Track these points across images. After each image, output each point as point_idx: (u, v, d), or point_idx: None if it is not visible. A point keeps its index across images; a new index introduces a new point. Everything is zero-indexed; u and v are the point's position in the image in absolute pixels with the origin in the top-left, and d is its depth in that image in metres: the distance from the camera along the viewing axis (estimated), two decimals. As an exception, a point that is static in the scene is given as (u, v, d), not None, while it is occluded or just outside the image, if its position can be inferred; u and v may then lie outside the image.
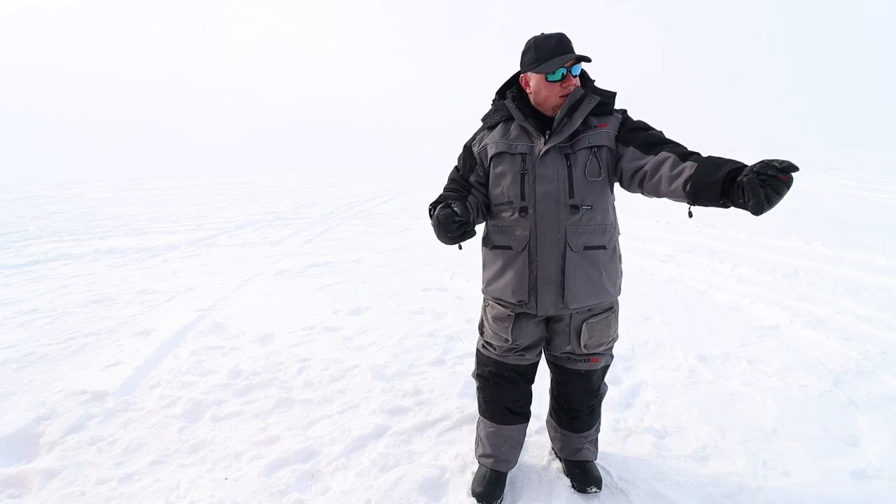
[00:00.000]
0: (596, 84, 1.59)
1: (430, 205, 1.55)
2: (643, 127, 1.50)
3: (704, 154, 1.33)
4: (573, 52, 1.47)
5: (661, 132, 1.47)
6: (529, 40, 1.52)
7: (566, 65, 1.47)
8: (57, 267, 5.92)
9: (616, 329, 1.69)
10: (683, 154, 1.34)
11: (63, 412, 2.37)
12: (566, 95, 1.50)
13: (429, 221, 8.60)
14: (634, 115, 1.58)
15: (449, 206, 1.44)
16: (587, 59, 1.48)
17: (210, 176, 54.48)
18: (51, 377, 2.79)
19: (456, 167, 1.73)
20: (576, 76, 1.51)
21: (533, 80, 1.53)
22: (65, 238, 8.31)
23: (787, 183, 1.10)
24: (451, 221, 1.42)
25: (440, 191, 1.69)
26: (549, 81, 1.49)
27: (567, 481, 1.81)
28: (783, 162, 1.09)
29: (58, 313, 3.99)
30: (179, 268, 5.73)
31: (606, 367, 1.77)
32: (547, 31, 1.50)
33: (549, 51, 1.47)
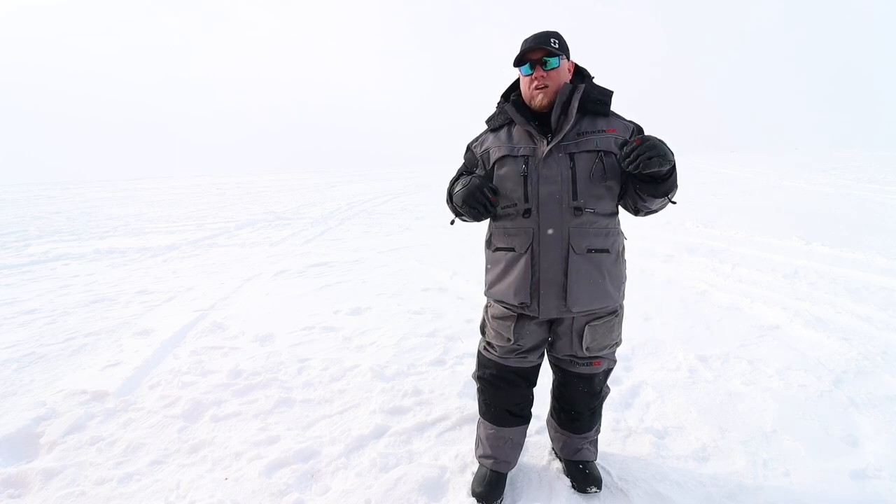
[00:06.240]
0: (594, 80, 1.58)
1: (452, 181, 1.63)
2: None
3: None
4: (546, 45, 1.47)
5: None
6: None
7: (532, 56, 1.49)
8: (57, 267, 5.92)
9: (619, 333, 1.68)
10: None
11: (63, 412, 2.37)
12: (541, 89, 1.50)
13: (426, 218, 8.60)
14: (636, 115, 1.58)
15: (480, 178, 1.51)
16: (551, 54, 1.48)
17: (210, 176, 54.54)
18: (51, 377, 2.79)
19: (464, 166, 1.74)
20: (548, 70, 1.49)
21: (519, 79, 1.58)
22: (65, 238, 8.31)
23: (641, 147, 1.32)
24: (479, 191, 1.48)
25: (443, 192, 1.71)
26: (524, 76, 1.54)
27: (567, 481, 1.81)
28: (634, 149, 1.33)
29: (58, 313, 3.99)
30: (179, 268, 5.73)
31: (609, 371, 1.76)
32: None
33: (525, 47, 1.50)
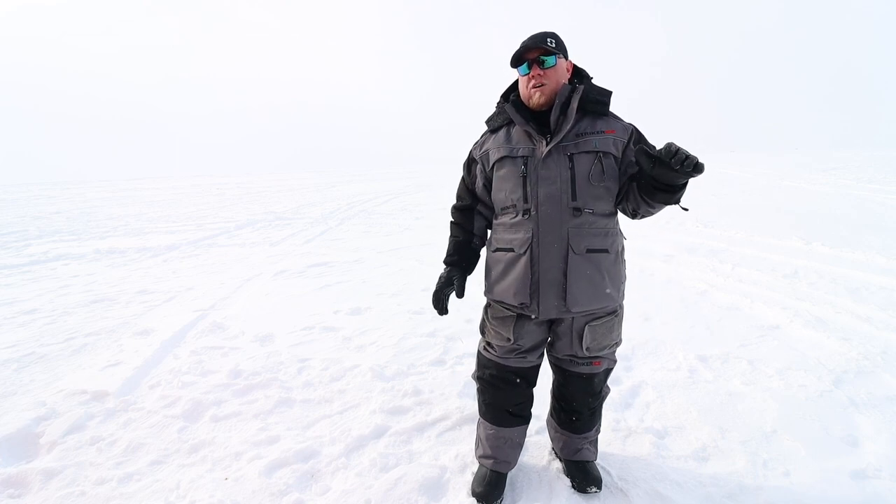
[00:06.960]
0: (594, 81, 1.59)
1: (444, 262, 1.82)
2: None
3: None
4: (543, 45, 1.48)
5: None
6: None
7: (529, 56, 1.50)
8: (57, 267, 5.92)
9: (619, 333, 1.69)
10: None
11: (63, 412, 2.37)
12: (539, 87, 1.50)
13: (426, 218, 8.58)
14: (636, 115, 1.59)
15: (452, 282, 1.73)
16: (547, 52, 1.49)
17: (210, 176, 54.60)
18: (51, 377, 2.79)
19: (463, 178, 1.78)
20: (545, 69, 1.50)
21: (518, 79, 1.60)
22: (65, 238, 8.31)
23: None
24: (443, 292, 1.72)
25: (450, 204, 1.84)
26: (522, 76, 1.56)
27: (567, 481, 1.81)
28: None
29: (58, 313, 3.99)
30: (179, 268, 5.73)
31: (609, 371, 1.76)
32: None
33: (521, 47, 1.51)
